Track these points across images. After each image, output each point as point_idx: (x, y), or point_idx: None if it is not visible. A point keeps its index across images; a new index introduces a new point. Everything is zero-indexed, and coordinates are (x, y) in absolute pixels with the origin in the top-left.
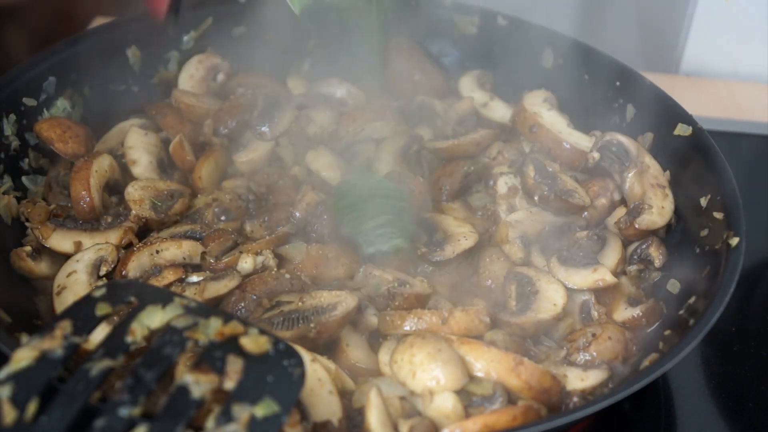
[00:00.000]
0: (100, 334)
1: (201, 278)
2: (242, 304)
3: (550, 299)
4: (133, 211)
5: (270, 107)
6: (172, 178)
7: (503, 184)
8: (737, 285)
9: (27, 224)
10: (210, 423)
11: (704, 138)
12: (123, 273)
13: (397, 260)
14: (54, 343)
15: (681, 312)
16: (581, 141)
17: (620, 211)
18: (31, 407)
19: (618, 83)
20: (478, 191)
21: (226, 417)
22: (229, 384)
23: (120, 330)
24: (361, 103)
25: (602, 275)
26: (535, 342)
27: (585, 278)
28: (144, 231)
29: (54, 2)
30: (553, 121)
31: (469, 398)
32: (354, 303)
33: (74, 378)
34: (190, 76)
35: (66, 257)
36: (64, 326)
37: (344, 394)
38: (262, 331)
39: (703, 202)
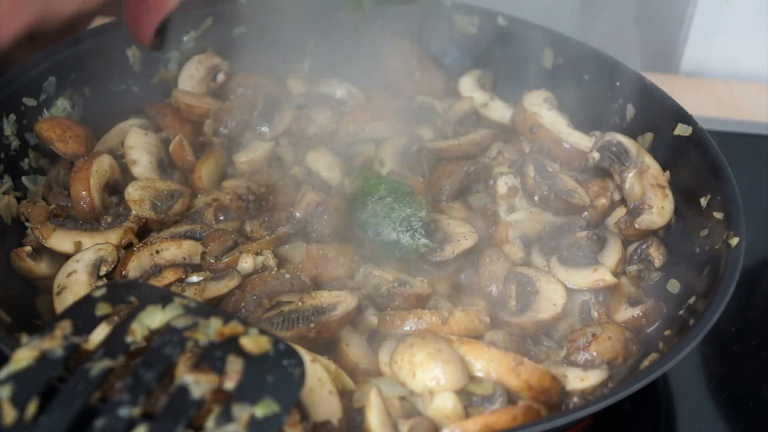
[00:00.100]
0: (100, 334)
1: (201, 278)
2: (242, 304)
3: (550, 299)
4: (133, 211)
5: (270, 107)
6: (172, 178)
7: (503, 184)
8: (737, 285)
9: (27, 224)
10: (210, 423)
11: (704, 138)
12: (123, 273)
13: (396, 260)
14: (54, 343)
15: (681, 312)
16: (581, 141)
17: (620, 211)
18: (31, 407)
19: (618, 83)
20: (478, 191)
21: (226, 417)
22: (229, 384)
23: (120, 330)
24: (361, 103)
25: (602, 275)
26: (535, 342)
27: (585, 278)
28: (144, 231)
29: None
30: (553, 121)
31: (469, 398)
32: (354, 303)
33: (74, 378)
34: (190, 76)
35: (66, 257)
36: (64, 326)
37: (344, 394)
38: (262, 331)
39: (703, 202)
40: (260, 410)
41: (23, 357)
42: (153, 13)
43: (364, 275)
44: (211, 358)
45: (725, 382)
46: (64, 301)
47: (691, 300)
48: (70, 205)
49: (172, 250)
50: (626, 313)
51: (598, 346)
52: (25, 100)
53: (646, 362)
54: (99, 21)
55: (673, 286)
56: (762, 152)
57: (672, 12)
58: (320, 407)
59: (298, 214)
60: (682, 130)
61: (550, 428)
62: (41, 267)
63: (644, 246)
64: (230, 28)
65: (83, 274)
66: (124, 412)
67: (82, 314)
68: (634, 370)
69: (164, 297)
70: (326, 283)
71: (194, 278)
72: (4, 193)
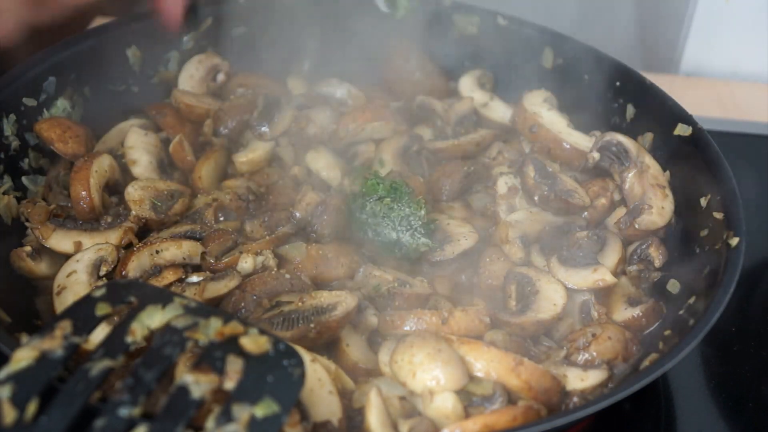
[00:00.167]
0: (100, 334)
1: (201, 278)
2: (242, 304)
3: (550, 299)
4: (133, 211)
5: (270, 107)
6: (172, 178)
7: (503, 184)
8: (737, 285)
9: (27, 224)
10: (210, 423)
11: (704, 138)
12: (123, 273)
13: (396, 260)
14: (54, 343)
15: (681, 312)
16: (581, 141)
17: (620, 211)
18: (31, 407)
19: (618, 83)
20: (478, 191)
21: (226, 417)
22: (229, 384)
23: (120, 330)
24: (361, 103)
25: (602, 275)
26: (535, 342)
27: (585, 278)
28: (144, 231)
29: None
30: (553, 121)
31: (469, 398)
32: (354, 303)
33: (74, 378)
34: (190, 76)
35: (66, 257)
36: (64, 326)
37: (344, 394)
38: (262, 331)
39: (703, 202)
40: (260, 410)
41: (23, 357)
42: None
43: (364, 275)
44: (211, 358)
45: (725, 382)
46: (64, 301)
47: (691, 300)
48: (70, 205)
49: (172, 250)
50: (626, 313)
51: (598, 346)
52: (25, 100)
53: (646, 362)
54: (99, 21)
55: (673, 286)
56: (762, 152)
57: (672, 12)
58: (320, 407)
59: (298, 214)
60: (682, 130)
61: (550, 428)
62: (41, 267)
63: (644, 246)
64: (230, 28)
65: (83, 274)
66: (124, 412)
67: (82, 314)
68: (634, 370)
69: (164, 297)
70: (326, 283)
71: (194, 278)
72: (4, 193)
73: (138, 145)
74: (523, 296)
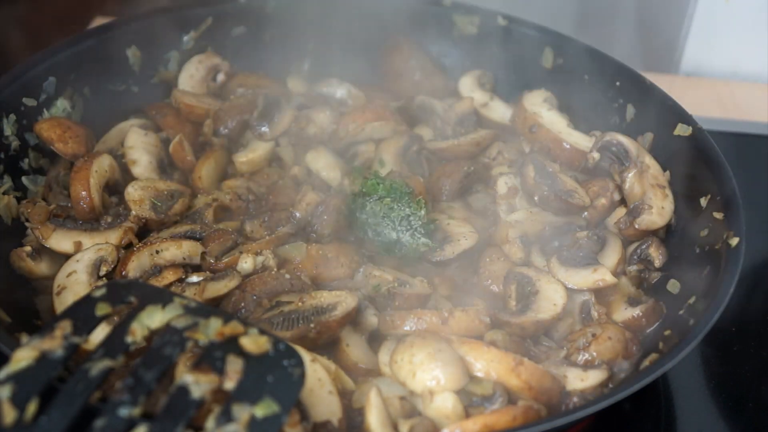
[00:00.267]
0: (100, 334)
1: (201, 278)
2: (242, 304)
3: (550, 299)
4: (133, 211)
5: (270, 107)
6: (172, 178)
7: (503, 184)
8: (737, 285)
9: (27, 224)
10: (210, 423)
11: (704, 138)
12: (123, 273)
13: (396, 260)
14: (54, 343)
15: (681, 312)
16: (581, 141)
17: (620, 211)
18: (31, 407)
19: (618, 83)
20: (478, 191)
21: (226, 417)
22: (229, 384)
23: (120, 330)
24: (361, 103)
25: (602, 275)
26: (535, 342)
27: (585, 278)
28: (144, 231)
29: (54, 2)
30: (553, 121)
31: (469, 398)
32: (354, 303)
33: (74, 378)
34: (190, 76)
35: (66, 257)
36: (64, 326)
37: (344, 394)
38: (262, 331)
39: (703, 202)
40: (260, 410)
41: (23, 357)
42: None
43: (364, 275)
44: (211, 358)
45: (725, 382)
46: (64, 301)
47: (691, 300)
48: (70, 205)
49: (172, 250)
50: (626, 313)
51: (598, 347)
52: (25, 100)
53: (646, 362)
54: (99, 21)
55: (673, 286)
56: (762, 152)
57: (672, 12)
58: (320, 407)
59: (298, 214)
60: (682, 130)
61: (550, 428)
62: (41, 267)
63: (644, 246)
64: (230, 28)
65: (83, 274)
66: (124, 412)
67: (82, 314)
68: (634, 370)
69: (164, 297)
70: (326, 283)
71: (194, 278)
72: (4, 193)
73: (138, 145)
74: (523, 296)
